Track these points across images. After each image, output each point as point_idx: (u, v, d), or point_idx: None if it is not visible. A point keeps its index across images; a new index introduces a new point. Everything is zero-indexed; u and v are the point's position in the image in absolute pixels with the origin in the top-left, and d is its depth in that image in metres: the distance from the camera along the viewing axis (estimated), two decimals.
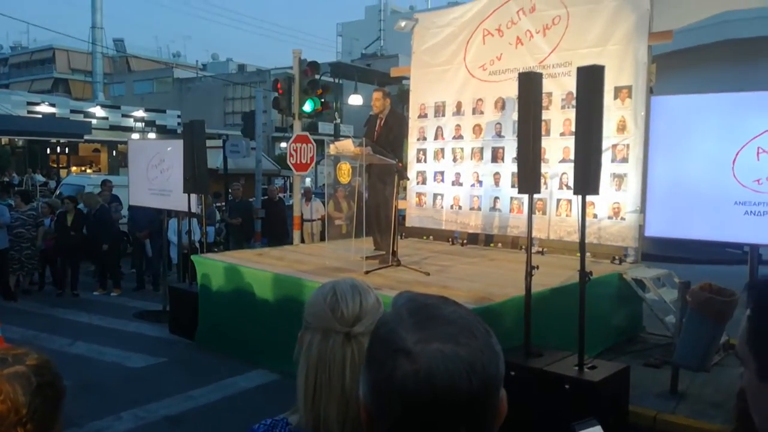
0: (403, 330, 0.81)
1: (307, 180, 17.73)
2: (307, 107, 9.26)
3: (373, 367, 0.83)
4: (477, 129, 8.37)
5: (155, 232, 10.13)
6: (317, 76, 10.01)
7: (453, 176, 8.63)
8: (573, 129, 4.84)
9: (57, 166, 27.47)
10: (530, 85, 4.84)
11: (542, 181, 6.62)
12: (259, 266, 6.81)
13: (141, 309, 9.03)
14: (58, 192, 14.72)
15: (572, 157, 4.87)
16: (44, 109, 26.46)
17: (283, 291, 6.24)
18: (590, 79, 4.57)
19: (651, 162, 5.60)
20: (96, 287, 10.31)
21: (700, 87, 10.48)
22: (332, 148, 6.54)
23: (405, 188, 8.96)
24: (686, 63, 12.49)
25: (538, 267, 4.94)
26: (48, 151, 28.03)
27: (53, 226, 10.27)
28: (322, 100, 9.64)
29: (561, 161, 7.41)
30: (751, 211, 4.71)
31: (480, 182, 8.33)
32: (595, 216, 7.07)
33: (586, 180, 4.56)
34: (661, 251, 8.73)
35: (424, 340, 0.79)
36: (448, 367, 0.77)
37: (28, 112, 26.11)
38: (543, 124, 6.83)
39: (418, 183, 9.05)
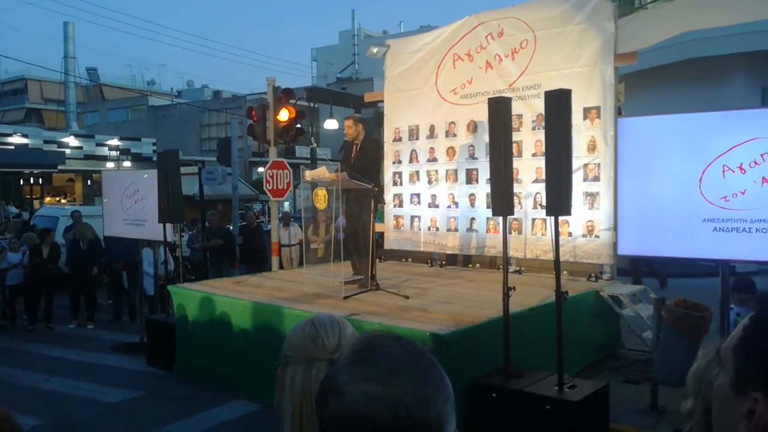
0: (343, 369, 0.85)
1: (286, 204, 17.68)
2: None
3: (317, 403, 0.87)
4: (450, 151, 8.47)
5: (131, 263, 10.02)
6: (293, 101, 10.01)
7: (429, 198, 8.69)
8: (544, 150, 4.93)
9: (30, 197, 27.05)
10: (500, 109, 4.93)
11: (516, 200, 6.72)
12: (237, 295, 6.76)
13: (118, 341, 8.88)
14: (32, 223, 14.48)
15: (544, 177, 4.95)
16: (17, 140, 26.12)
17: (262, 319, 6.19)
18: (558, 103, 4.66)
19: (620, 182, 5.71)
20: (71, 320, 10.11)
21: (667, 104, 10.75)
22: (307, 175, 6.55)
23: (382, 211, 8.99)
24: (652, 81, 12.79)
25: (515, 288, 4.98)
26: (21, 182, 27.61)
27: (28, 258, 10.07)
28: (298, 125, 9.64)
29: (534, 181, 7.51)
30: (719, 228, 4.82)
31: (456, 203, 8.40)
32: (570, 234, 7.17)
33: (558, 201, 4.63)
34: (635, 266, 8.86)
35: (353, 380, 0.82)
36: (369, 408, 0.80)
37: (0, 143, 25.75)
38: (515, 145, 6.95)
39: (395, 206, 9.09)
